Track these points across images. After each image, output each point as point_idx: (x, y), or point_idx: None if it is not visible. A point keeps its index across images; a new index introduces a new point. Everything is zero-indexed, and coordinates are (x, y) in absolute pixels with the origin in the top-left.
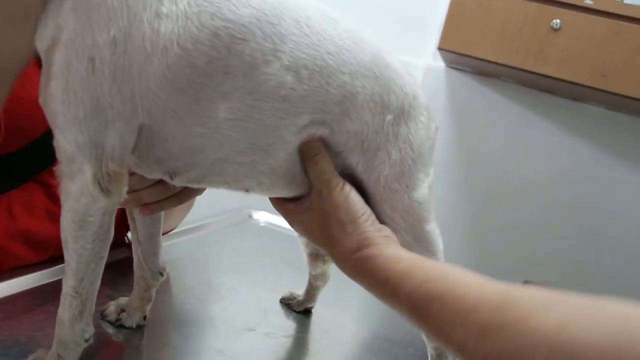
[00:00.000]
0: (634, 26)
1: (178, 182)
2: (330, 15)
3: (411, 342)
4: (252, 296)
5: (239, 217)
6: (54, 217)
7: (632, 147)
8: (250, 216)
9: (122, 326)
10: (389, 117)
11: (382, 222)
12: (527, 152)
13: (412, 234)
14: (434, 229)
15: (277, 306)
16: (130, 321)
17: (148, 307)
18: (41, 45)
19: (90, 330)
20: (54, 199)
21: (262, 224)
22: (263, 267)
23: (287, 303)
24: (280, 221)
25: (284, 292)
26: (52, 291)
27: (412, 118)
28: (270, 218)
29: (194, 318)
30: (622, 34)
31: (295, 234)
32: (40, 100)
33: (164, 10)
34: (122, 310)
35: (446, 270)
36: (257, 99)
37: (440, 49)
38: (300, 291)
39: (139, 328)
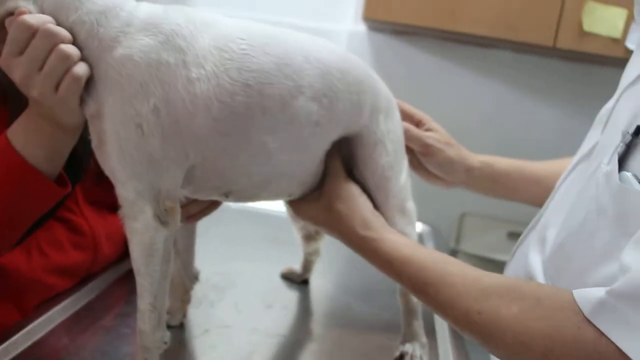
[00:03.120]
0: None
1: (231, 200)
2: (322, 42)
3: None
4: (259, 277)
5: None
6: (78, 246)
7: (539, 83)
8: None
9: (168, 326)
10: (381, 117)
11: (376, 207)
12: (450, 100)
13: (399, 211)
14: (412, 205)
15: (280, 281)
16: (175, 320)
17: (187, 307)
18: (87, 110)
19: (167, 335)
20: (75, 231)
21: (234, 207)
22: (254, 249)
23: (288, 277)
24: (251, 204)
25: (282, 268)
26: (93, 310)
27: (393, 114)
28: None
29: (221, 306)
30: None
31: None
32: (97, 155)
33: (194, 75)
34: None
35: (436, 259)
36: (297, 127)
37: (364, 18)
38: (296, 266)
39: (181, 325)
